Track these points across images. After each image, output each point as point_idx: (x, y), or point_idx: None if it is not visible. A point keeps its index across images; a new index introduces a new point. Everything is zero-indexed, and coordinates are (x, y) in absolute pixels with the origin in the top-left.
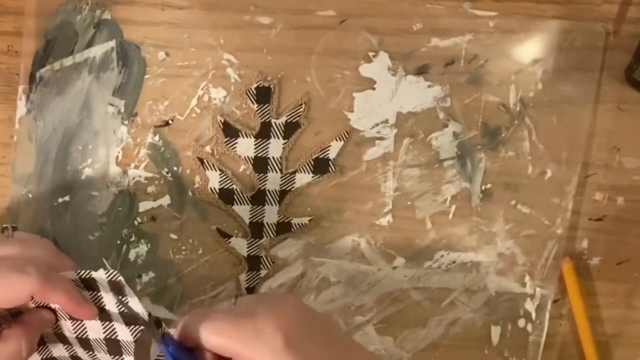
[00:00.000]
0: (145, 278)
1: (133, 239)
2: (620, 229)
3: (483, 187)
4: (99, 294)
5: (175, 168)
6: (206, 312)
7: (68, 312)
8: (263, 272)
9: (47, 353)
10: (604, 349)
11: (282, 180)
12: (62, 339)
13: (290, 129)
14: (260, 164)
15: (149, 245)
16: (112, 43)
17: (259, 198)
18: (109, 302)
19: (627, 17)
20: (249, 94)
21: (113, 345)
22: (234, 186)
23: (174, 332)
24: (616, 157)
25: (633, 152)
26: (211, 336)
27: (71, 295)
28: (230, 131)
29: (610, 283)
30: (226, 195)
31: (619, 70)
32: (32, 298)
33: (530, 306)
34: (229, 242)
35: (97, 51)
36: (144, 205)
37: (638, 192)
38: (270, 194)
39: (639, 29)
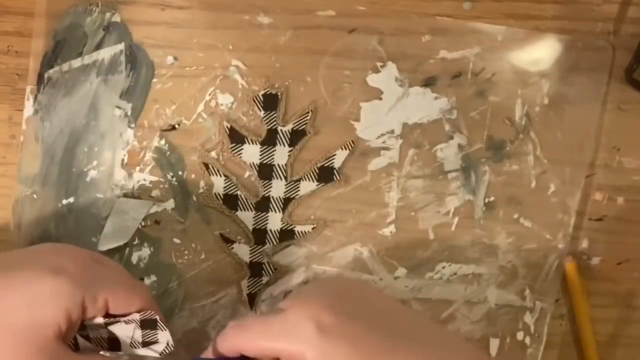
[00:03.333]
0: (147, 281)
1: (136, 242)
2: (620, 229)
3: (486, 200)
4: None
5: (180, 172)
6: (235, 323)
7: None
8: (265, 279)
9: None
10: (604, 349)
11: (286, 188)
12: None
13: (296, 136)
14: (265, 170)
15: (152, 249)
16: (120, 46)
17: (263, 205)
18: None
19: (627, 17)
20: (256, 101)
21: None
22: (239, 192)
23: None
24: (616, 157)
25: (633, 152)
26: (245, 344)
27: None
28: (236, 137)
29: (610, 283)
30: (230, 201)
31: (619, 70)
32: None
33: (529, 319)
34: (232, 247)
35: (105, 54)
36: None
37: (638, 192)
38: (274, 201)
39: (639, 29)
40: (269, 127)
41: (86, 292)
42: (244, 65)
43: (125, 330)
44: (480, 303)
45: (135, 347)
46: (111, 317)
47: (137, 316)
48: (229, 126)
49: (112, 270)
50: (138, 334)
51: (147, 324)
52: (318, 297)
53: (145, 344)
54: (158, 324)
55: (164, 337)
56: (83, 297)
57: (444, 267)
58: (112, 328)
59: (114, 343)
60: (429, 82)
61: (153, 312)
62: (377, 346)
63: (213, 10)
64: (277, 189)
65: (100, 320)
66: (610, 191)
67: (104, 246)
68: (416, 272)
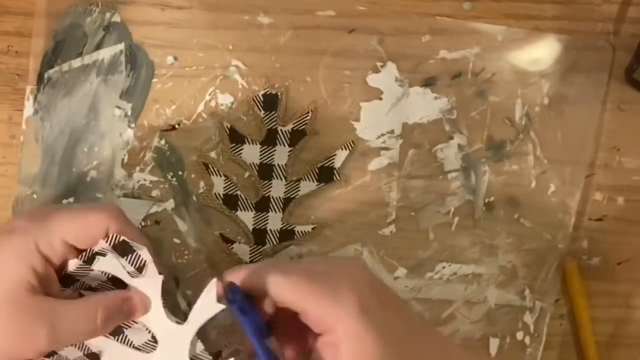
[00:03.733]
0: None
1: None
2: (620, 229)
3: (486, 200)
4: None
5: (180, 172)
6: (279, 265)
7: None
8: None
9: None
10: (604, 349)
11: (286, 188)
12: None
13: (296, 136)
14: (265, 170)
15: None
16: (120, 46)
17: (262, 205)
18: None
19: (627, 17)
20: (256, 101)
21: None
22: (239, 192)
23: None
24: (616, 157)
25: (633, 152)
26: (284, 290)
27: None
28: (236, 137)
29: (610, 283)
30: (230, 201)
31: (619, 70)
32: (106, 235)
33: (528, 319)
34: (232, 247)
35: (105, 53)
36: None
37: (638, 192)
38: (274, 201)
39: (639, 29)
40: (269, 127)
41: (38, 238)
42: (244, 65)
43: (112, 265)
44: (480, 303)
45: (135, 277)
46: (84, 253)
47: (104, 243)
48: (229, 126)
49: (64, 208)
50: (126, 263)
51: (123, 250)
52: (365, 275)
53: (140, 269)
54: (130, 243)
55: (146, 256)
56: (36, 244)
57: (443, 267)
58: (97, 267)
59: (117, 283)
60: (429, 82)
61: (118, 235)
62: (405, 338)
63: (213, 10)
64: (277, 189)
65: (76, 263)
66: (610, 191)
67: None
68: (416, 272)
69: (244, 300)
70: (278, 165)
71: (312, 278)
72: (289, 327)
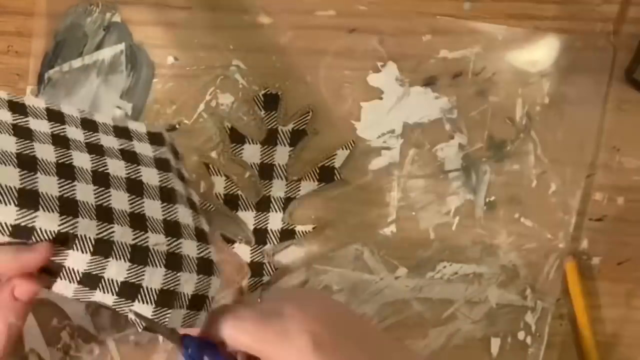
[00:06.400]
0: None
1: None
2: (620, 229)
3: (487, 200)
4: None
5: None
6: (231, 309)
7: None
8: (266, 279)
9: None
10: (604, 349)
11: (287, 188)
12: None
13: (296, 136)
14: (266, 170)
15: None
16: (121, 46)
17: (263, 205)
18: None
19: (627, 17)
20: (257, 101)
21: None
22: (239, 192)
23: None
24: (616, 157)
25: (633, 152)
26: (237, 336)
27: None
28: (236, 137)
29: (610, 283)
30: (231, 201)
31: (619, 70)
32: None
33: (530, 319)
34: (233, 247)
35: (106, 54)
36: None
37: (638, 192)
38: (274, 200)
39: (639, 29)
40: (269, 127)
41: None
42: (244, 65)
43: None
44: (481, 303)
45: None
46: None
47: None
48: (229, 126)
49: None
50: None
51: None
52: (317, 310)
53: None
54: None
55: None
56: None
57: (444, 267)
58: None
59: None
60: (429, 82)
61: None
62: None
63: (213, 10)
64: (278, 188)
65: None
66: (610, 191)
67: None
68: (417, 272)
69: (201, 348)
70: (279, 165)
71: (264, 320)
72: None
